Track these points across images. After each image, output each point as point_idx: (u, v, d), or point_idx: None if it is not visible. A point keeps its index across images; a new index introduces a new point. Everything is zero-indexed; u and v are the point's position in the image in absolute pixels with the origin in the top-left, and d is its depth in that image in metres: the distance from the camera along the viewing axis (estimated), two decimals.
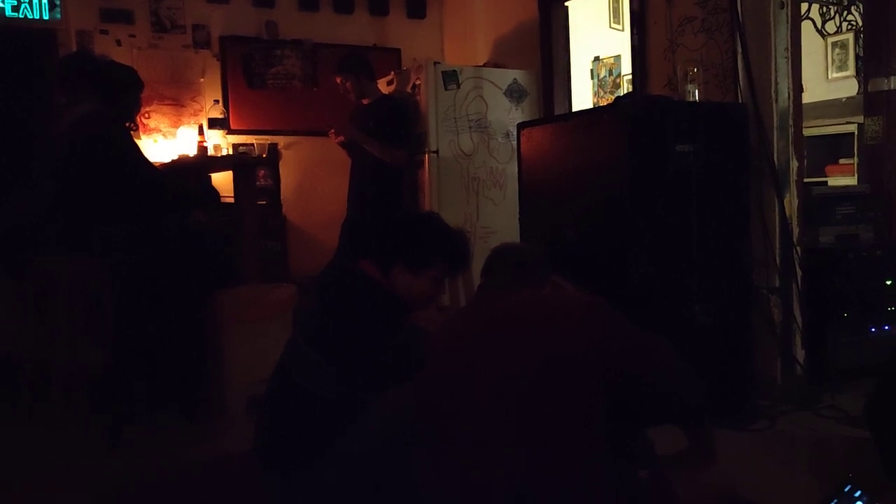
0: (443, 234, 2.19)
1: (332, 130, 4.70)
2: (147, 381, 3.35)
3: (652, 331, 1.64)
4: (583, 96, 6.09)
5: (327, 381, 1.94)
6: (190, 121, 5.52)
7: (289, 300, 3.49)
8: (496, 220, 4.91)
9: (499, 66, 5.24)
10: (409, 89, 4.96)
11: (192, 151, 5.09)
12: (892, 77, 3.92)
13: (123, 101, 3.42)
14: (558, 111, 5.01)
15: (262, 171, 5.71)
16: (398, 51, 6.29)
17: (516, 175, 3.83)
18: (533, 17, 5.15)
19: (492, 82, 4.98)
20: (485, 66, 5.31)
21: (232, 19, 5.73)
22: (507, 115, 4.98)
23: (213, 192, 3.79)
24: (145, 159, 3.33)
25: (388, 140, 4.60)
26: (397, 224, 2.31)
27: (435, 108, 4.77)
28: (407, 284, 2.07)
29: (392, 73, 5.26)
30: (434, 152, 4.77)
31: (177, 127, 5.48)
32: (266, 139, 5.83)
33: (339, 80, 4.75)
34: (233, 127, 5.72)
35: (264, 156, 5.74)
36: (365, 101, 4.77)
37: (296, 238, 5.78)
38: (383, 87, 5.12)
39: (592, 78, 6.46)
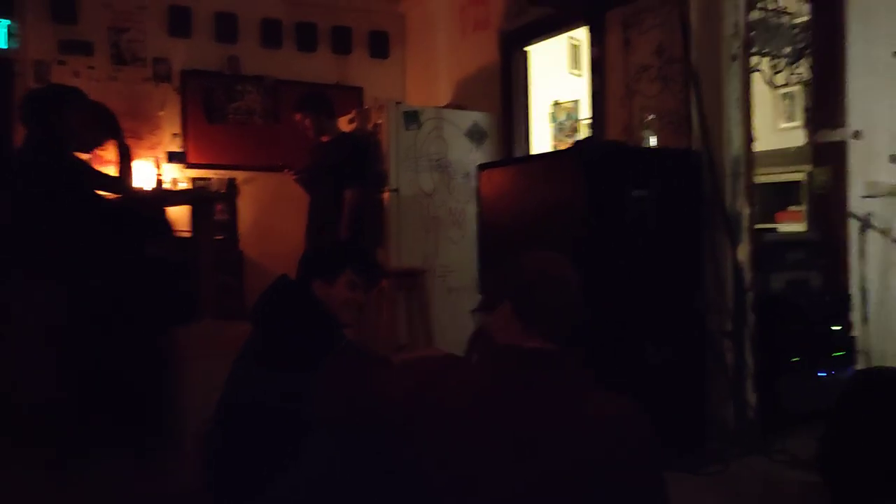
0: (348, 245, 2.41)
1: (288, 171, 4.73)
2: (100, 415, 3.25)
3: (608, 373, 1.64)
4: (542, 139, 6.18)
5: (276, 396, 1.98)
6: (147, 154, 5.46)
7: (244, 337, 3.43)
8: (455, 259, 4.92)
9: (460, 108, 5.30)
10: (370, 128, 4.99)
11: (149, 185, 5.02)
12: (839, 129, 4.06)
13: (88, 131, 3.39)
14: (518, 153, 5.08)
15: (220, 206, 5.66)
16: (360, 89, 6.33)
17: (475, 215, 3.86)
18: (494, 61, 5.24)
19: (453, 123, 5.04)
20: (446, 107, 5.37)
21: (194, 53, 5.72)
22: (468, 156, 5.03)
23: (167, 226, 3.73)
24: (103, 187, 3.29)
25: (346, 178, 4.60)
26: (316, 247, 2.53)
27: (396, 147, 4.80)
28: (327, 294, 2.25)
29: (354, 111, 5.28)
30: (394, 191, 4.78)
31: (133, 160, 5.40)
32: (224, 174, 5.79)
33: (298, 118, 4.76)
34: (191, 161, 5.68)
35: (222, 191, 5.69)
36: (324, 139, 4.77)
37: (253, 273, 5.71)
38: (344, 125, 5.13)
39: (552, 122, 6.56)
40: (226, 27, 5.81)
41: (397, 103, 4.90)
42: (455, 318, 4.52)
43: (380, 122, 4.88)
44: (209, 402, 3.00)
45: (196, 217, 3.84)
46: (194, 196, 4.27)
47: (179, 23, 5.65)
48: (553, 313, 1.52)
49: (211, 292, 3.82)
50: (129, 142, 5.11)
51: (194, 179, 5.64)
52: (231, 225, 5.78)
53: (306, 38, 6.12)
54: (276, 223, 5.79)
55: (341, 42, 6.26)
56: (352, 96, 6.20)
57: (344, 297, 2.30)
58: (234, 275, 5.59)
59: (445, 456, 1.43)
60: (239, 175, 5.83)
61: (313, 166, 4.76)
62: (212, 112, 5.77)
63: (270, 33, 5.98)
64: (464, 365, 1.62)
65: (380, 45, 6.43)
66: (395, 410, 1.54)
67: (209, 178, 5.72)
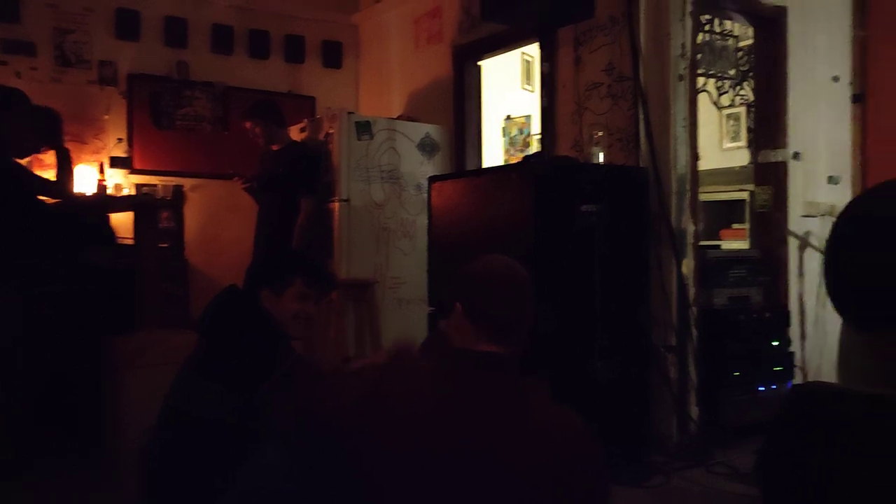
0: (298, 256, 2.37)
1: (237, 179, 4.66)
2: (36, 426, 3.15)
3: (553, 386, 1.65)
4: (494, 153, 6.23)
5: (221, 408, 1.95)
6: (90, 159, 5.32)
7: (189, 347, 3.36)
8: (406, 270, 4.90)
9: (412, 120, 5.31)
10: (321, 137, 4.95)
11: (91, 190, 4.89)
12: (780, 150, 4.19)
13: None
14: (469, 166, 5.10)
15: (165, 213, 5.54)
16: (312, 99, 6.29)
17: (426, 227, 3.86)
18: (447, 75, 5.27)
19: (405, 135, 5.03)
20: (399, 118, 5.37)
21: (141, 57, 5.61)
22: (419, 168, 5.03)
23: (110, 232, 3.65)
24: (43, 192, 3.19)
25: (296, 187, 4.56)
26: (264, 257, 2.48)
27: (347, 157, 4.77)
28: (275, 305, 2.20)
29: (305, 120, 5.24)
30: (345, 201, 4.76)
31: (76, 164, 5.27)
32: (171, 180, 5.67)
33: (248, 125, 4.70)
34: (136, 166, 5.55)
35: (168, 197, 5.58)
36: (274, 147, 4.72)
37: (198, 283, 5.60)
38: (296, 134, 5.09)
39: (504, 136, 6.61)
40: (175, 31, 5.72)
41: (349, 113, 4.88)
42: (405, 329, 4.51)
43: (331, 131, 4.85)
44: (150, 413, 2.92)
45: (140, 224, 3.75)
46: (138, 202, 4.17)
47: (127, 25, 5.54)
48: (503, 316, 1.52)
49: (154, 301, 3.73)
50: (72, 146, 4.99)
51: (139, 185, 5.52)
52: (177, 233, 5.66)
53: (258, 46, 6.05)
54: (224, 232, 5.70)
55: (294, 51, 6.22)
56: (304, 105, 6.16)
57: (293, 309, 2.25)
58: (180, 283, 5.47)
59: (399, 462, 1.42)
60: (186, 182, 5.72)
61: (263, 175, 4.71)
62: (159, 117, 5.66)
63: (221, 39, 5.90)
64: (416, 370, 1.62)
65: (333, 55, 6.40)
66: (346, 420, 1.52)
67: (155, 185, 5.60)
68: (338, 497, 1.50)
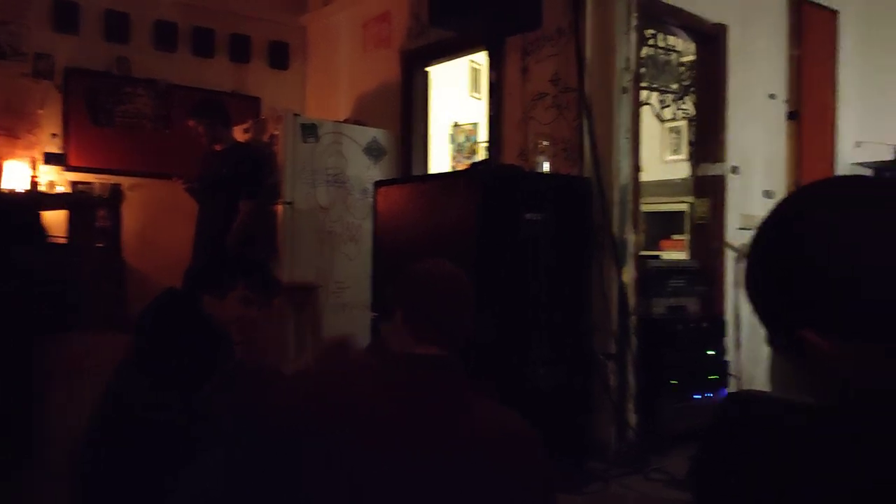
0: (242, 259, 2.33)
1: (179, 179, 4.57)
2: None
3: (495, 393, 1.65)
4: (441, 159, 6.24)
5: (161, 410, 1.91)
6: (23, 154, 5.14)
7: (125, 349, 3.27)
8: (350, 275, 4.87)
9: (359, 124, 5.28)
10: (266, 139, 4.88)
11: (22, 187, 4.72)
12: (719, 163, 4.30)
13: None
14: (416, 172, 5.10)
15: (102, 212, 5.39)
16: (258, 99, 6.21)
17: (371, 231, 3.84)
18: (395, 79, 5.26)
19: (351, 138, 5.00)
20: (345, 121, 5.34)
21: (80, 51, 5.45)
22: (366, 172, 5.00)
23: (41, 230, 3.52)
24: None
25: (239, 189, 4.49)
26: (207, 260, 2.44)
27: (292, 159, 4.72)
28: (217, 309, 2.17)
29: (250, 121, 5.17)
30: (289, 203, 4.70)
31: (6, 159, 5.08)
32: (109, 179, 5.52)
33: (192, 124, 4.61)
34: (72, 163, 5.38)
35: (105, 196, 5.42)
36: (218, 147, 4.64)
37: (136, 283, 5.46)
38: (240, 134, 5.01)
39: (451, 142, 6.64)
40: (116, 26, 5.57)
41: (295, 115, 4.83)
42: (348, 334, 4.46)
43: (276, 133, 4.79)
44: (83, 417, 2.83)
45: (74, 222, 3.64)
46: (73, 200, 4.04)
47: (65, 18, 5.37)
48: (442, 320, 1.52)
49: (89, 302, 3.63)
50: (3, 140, 4.82)
51: (74, 183, 5.35)
52: (114, 232, 5.51)
53: (203, 44, 5.94)
54: (164, 232, 5.56)
55: (239, 50, 6.13)
56: (248, 106, 6.07)
57: (235, 314, 2.22)
58: (116, 284, 5.32)
59: (341, 465, 1.41)
60: (125, 181, 5.57)
61: (205, 176, 4.61)
62: (98, 114, 5.50)
63: (164, 36, 5.78)
64: (358, 373, 1.61)
65: (279, 56, 6.33)
66: (289, 423, 1.50)
67: (91, 183, 5.44)
68: (287, 496, 1.49)
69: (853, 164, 4.95)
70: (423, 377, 1.48)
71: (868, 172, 4.84)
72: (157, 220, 5.62)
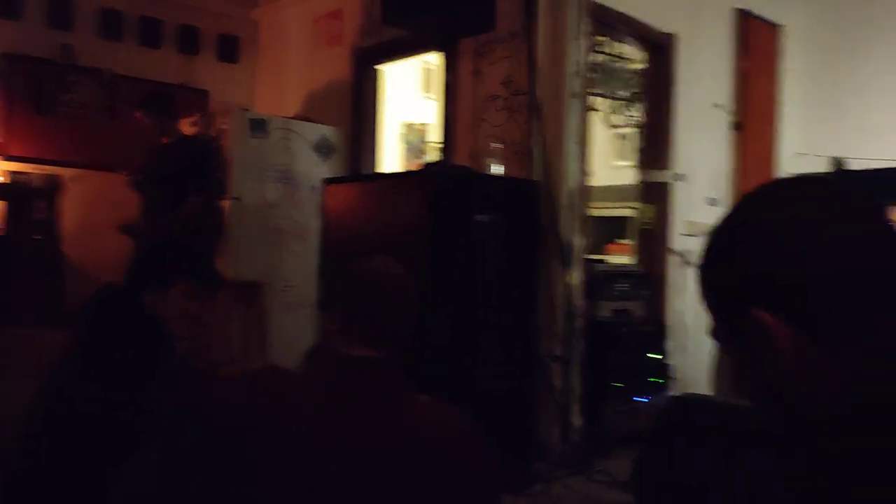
0: (185, 253, 2.27)
1: (123, 172, 4.46)
2: None
3: (444, 396, 1.65)
4: (391, 159, 6.22)
5: (101, 406, 1.87)
6: None
7: (63, 345, 3.17)
8: (297, 273, 4.80)
9: (309, 120, 5.22)
10: (214, 133, 4.80)
11: None
12: (665, 170, 4.38)
13: None
14: (365, 171, 5.07)
15: (40, 203, 5.22)
16: (206, 92, 6.09)
17: (319, 229, 3.80)
18: (346, 77, 5.22)
19: (301, 135, 4.95)
20: (295, 117, 5.28)
21: (22, 37, 5.27)
22: (314, 170, 4.95)
23: None
24: None
25: (185, 183, 4.39)
26: (147, 252, 2.35)
27: (240, 154, 4.64)
28: (159, 304, 2.11)
29: (197, 114, 5.07)
30: (236, 199, 4.62)
31: None
32: (49, 169, 5.35)
33: (138, 116, 4.49)
34: (11, 153, 5.20)
35: (44, 187, 5.25)
36: (164, 140, 4.53)
37: (75, 277, 5.30)
38: (187, 128, 4.91)
39: (402, 142, 6.62)
40: (60, 12, 5.41)
41: (244, 110, 4.76)
42: (294, 334, 4.41)
43: (225, 127, 4.71)
44: (16, 416, 2.74)
45: (11, 214, 3.52)
46: (10, 191, 3.90)
47: (7, 2, 5.20)
48: (379, 321, 1.50)
49: (25, 296, 3.51)
50: None
51: (12, 173, 5.17)
52: (52, 224, 5.34)
53: (150, 34, 5.81)
54: (105, 226, 5.41)
55: (188, 42, 6.00)
56: (196, 99, 5.95)
57: (178, 309, 2.17)
58: (55, 277, 5.16)
59: (279, 466, 1.39)
60: (66, 172, 5.41)
61: (151, 169, 4.50)
62: (39, 102, 5.33)
63: (110, 24, 5.63)
64: (297, 375, 1.59)
65: (229, 50, 6.22)
66: (228, 424, 1.48)
67: (29, 173, 5.26)
68: (230, 494, 1.46)
69: (793, 174, 5.10)
70: (359, 379, 1.46)
71: None
72: (99, 212, 5.46)
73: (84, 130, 5.50)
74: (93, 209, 5.47)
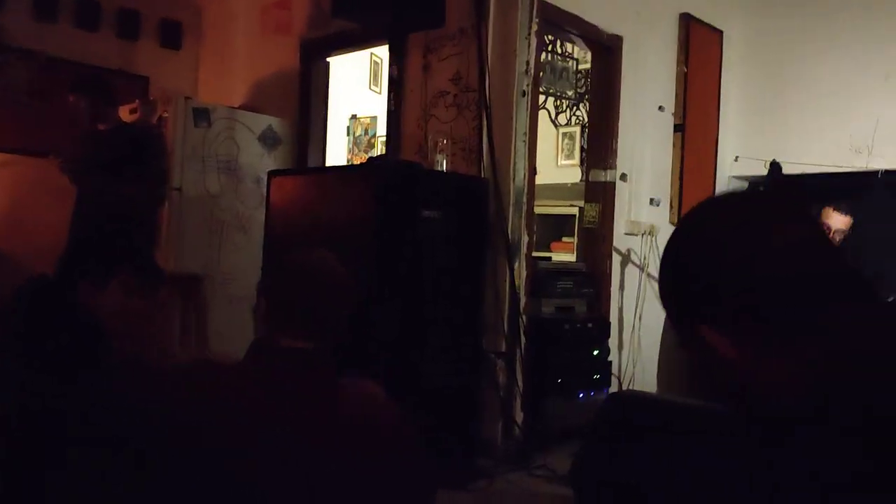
0: (123, 246, 2.21)
1: (55, 158, 4.30)
2: None
3: (388, 390, 1.65)
4: (338, 151, 6.16)
5: (37, 405, 1.80)
6: None
7: None
8: (239, 266, 4.72)
9: (255, 111, 5.13)
10: (154, 121, 4.67)
11: None
12: (609, 170, 4.44)
13: None
14: (312, 163, 5.00)
15: None
16: (146, 79, 5.91)
17: (263, 222, 3.74)
18: (294, 67, 5.14)
19: (245, 125, 4.86)
20: (240, 107, 5.18)
21: None
22: (259, 161, 4.87)
23: None
24: None
25: (122, 172, 4.26)
26: (84, 246, 2.28)
27: (182, 144, 4.53)
28: (95, 299, 2.11)
29: (137, 101, 4.92)
30: (177, 189, 4.51)
31: None
32: None
33: (72, 100, 4.32)
34: None
35: None
36: (101, 127, 4.39)
37: (4, 267, 5.09)
38: (126, 115, 4.76)
39: (348, 135, 6.56)
40: None
41: (187, 98, 4.65)
42: (235, 328, 4.33)
43: (166, 115, 4.59)
44: None
45: None
46: None
47: None
48: (310, 313, 1.48)
49: None
50: None
51: None
52: None
53: (87, 16, 5.60)
54: (36, 215, 5.20)
55: (128, 26, 5.81)
56: (136, 85, 5.77)
57: (116, 303, 2.11)
58: None
59: (218, 460, 1.38)
60: None
61: (86, 156, 4.35)
62: None
63: (44, 4, 5.42)
64: (228, 367, 1.56)
65: (172, 35, 6.06)
66: (167, 420, 1.44)
67: None
68: (170, 487, 1.44)
69: (732, 176, 5.24)
70: (289, 371, 1.44)
71: (744, 185, 5.14)
72: (27, 201, 5.26)
73: (14, 114, 5.28)
74: (22, 197, 5.27)
